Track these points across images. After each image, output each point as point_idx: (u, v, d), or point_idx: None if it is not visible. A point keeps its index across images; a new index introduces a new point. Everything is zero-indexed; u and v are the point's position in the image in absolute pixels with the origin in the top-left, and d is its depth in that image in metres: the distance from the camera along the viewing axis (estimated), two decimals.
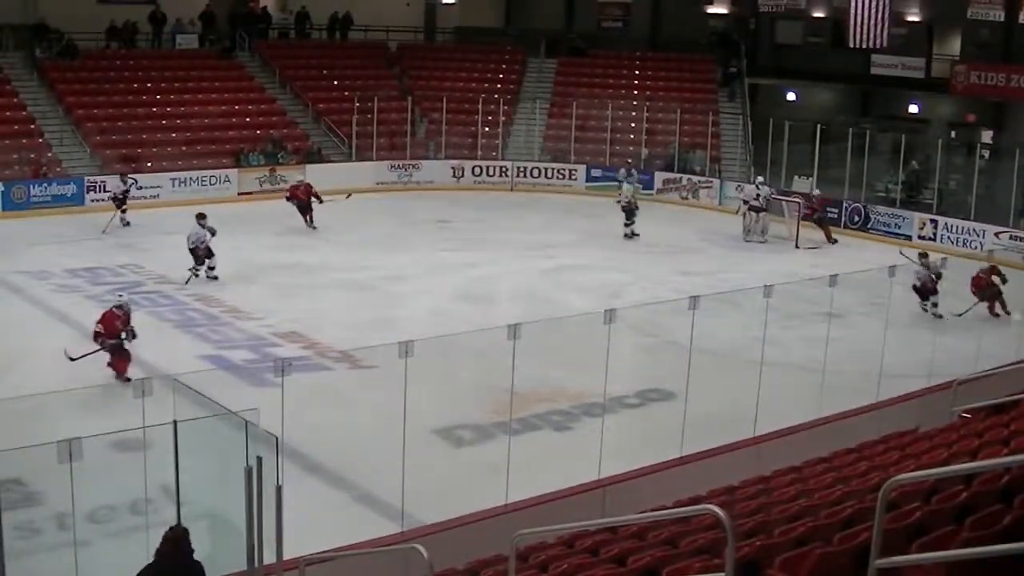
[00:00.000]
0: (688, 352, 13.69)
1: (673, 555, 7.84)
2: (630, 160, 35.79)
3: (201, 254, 23.31)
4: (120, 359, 16.77)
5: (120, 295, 17.92)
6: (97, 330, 16.85)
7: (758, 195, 29.61)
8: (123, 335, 16.89)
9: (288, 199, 28.86)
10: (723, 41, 40.30)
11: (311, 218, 28.57)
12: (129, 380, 15.63)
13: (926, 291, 21.78)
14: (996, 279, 22.07)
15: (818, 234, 30.06)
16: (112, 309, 17.19)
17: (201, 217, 23.60)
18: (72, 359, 16.49)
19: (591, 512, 10.22)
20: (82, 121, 33.35)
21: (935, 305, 21.81)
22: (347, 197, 26.71)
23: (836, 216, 31.69)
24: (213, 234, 23.41)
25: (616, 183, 33.26)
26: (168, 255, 25.17)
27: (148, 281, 23.38)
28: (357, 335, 19.06)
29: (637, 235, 29.37)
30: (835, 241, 29.77)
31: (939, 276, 21.73)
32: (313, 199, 28.59)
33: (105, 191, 29.81)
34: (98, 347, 16.72)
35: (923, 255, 22.34)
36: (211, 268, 23.54)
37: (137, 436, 9.50)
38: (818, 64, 39.76)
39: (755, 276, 22.89)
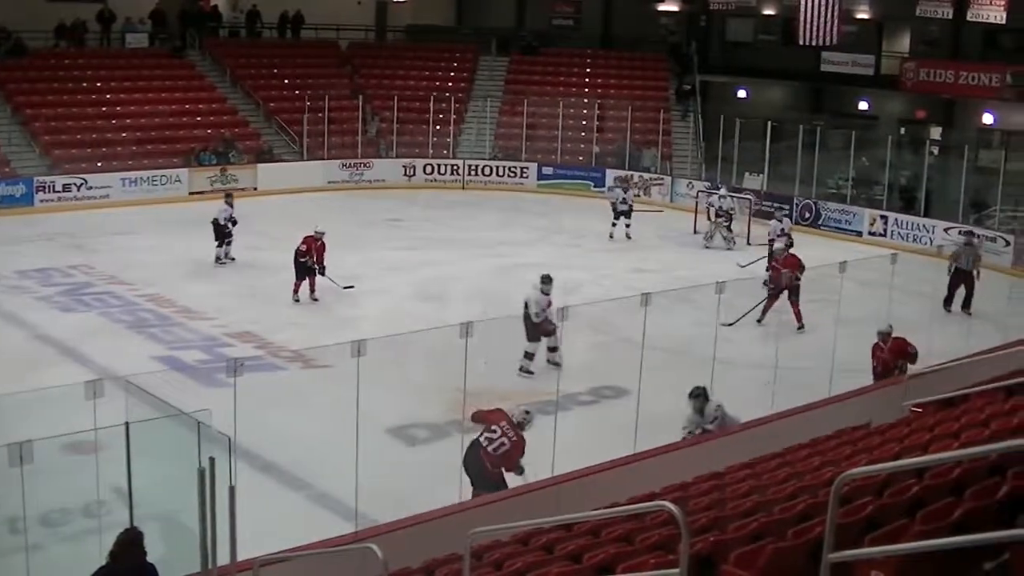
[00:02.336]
0: (641, 349, 13.73)
1: (628, 552, 7.85)
2: (623, 176, 34.33)
3: (537, 329, 18.16)
4: None
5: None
6: None
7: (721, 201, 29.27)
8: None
9: (302, 254, 22.13)
10: (675, 54, 40.40)
11: (313, 284, 22.34)
12: None
13: None
14: (795, 274, 20.56)
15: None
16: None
17: (546, 281, 18.27)
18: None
19: (545, 510, 10.19)
20: (31, 120, 32.95)
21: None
22: (345, 287, 22.62)
23: (788, 212, 31.85)
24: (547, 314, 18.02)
25: (605, 188, 32.72)
26: (118, 255, 24.99)
27: (99, 282, 23.17)
28: (311, 335, 18.98)
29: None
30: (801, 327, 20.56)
31: None
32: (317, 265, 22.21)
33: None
34: None
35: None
36: (551, 349, 18.24)
37: (89, 438, 9.41)
38: (769, 61, 39.99)
39: (708, 273, 23.00)
